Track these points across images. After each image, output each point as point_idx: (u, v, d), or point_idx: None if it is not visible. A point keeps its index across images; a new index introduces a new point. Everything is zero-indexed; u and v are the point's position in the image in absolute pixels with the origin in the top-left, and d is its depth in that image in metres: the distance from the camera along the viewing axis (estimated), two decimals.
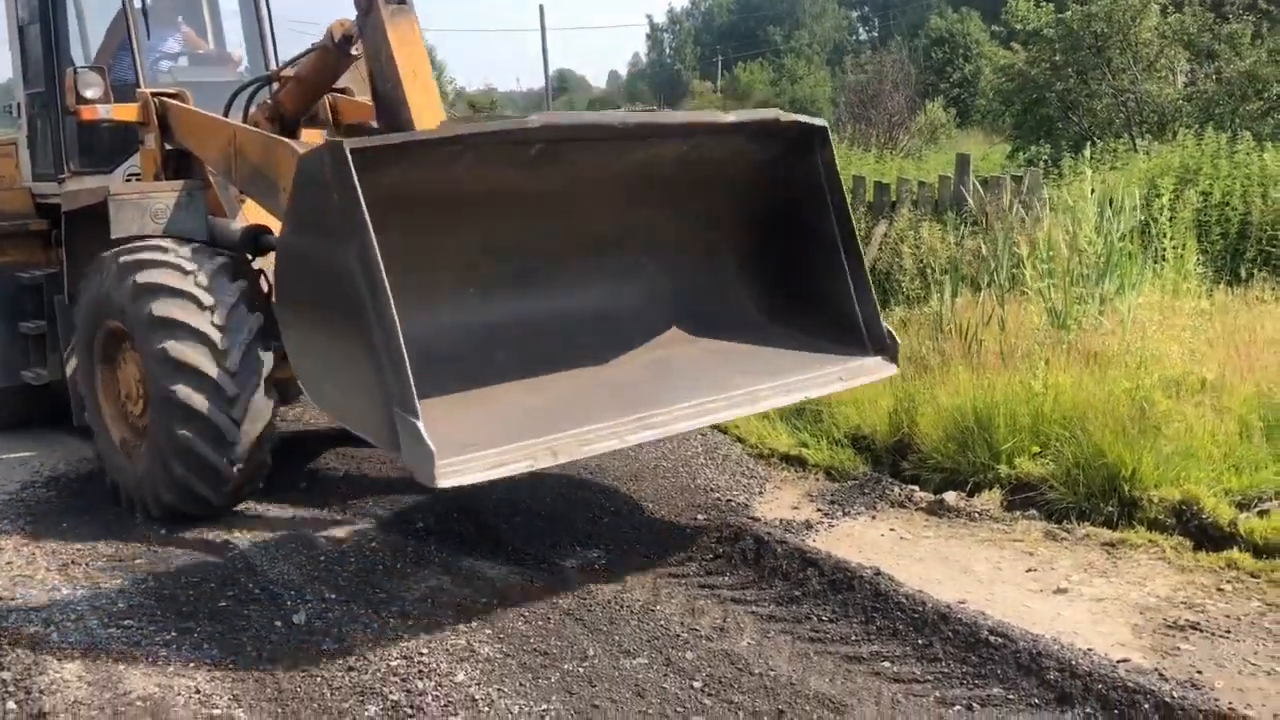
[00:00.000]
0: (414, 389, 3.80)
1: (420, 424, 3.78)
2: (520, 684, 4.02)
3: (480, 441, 4.05)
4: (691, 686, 3.98)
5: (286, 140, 5.74)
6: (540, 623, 4.57)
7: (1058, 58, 18.33)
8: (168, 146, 6.72)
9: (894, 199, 12.73)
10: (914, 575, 4.96)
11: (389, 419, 3.87)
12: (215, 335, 5.60)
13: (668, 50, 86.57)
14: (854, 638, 4.37)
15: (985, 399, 6.44)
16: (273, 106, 6.74)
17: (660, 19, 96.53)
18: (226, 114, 6.73)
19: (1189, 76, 18.16)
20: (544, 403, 4.60)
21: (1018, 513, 5.88)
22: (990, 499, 6.07)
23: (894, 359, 5.46)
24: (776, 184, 5.44)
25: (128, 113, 6.79)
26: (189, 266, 5.78)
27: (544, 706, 3.84)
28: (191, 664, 4.28)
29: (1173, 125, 16.02)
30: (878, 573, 4.76)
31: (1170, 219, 9.64)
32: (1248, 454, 6.02)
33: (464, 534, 5.72)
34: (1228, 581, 4.98)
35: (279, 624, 4.61)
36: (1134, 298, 7.78)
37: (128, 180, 7.12)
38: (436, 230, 4.65)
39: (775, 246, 5.63)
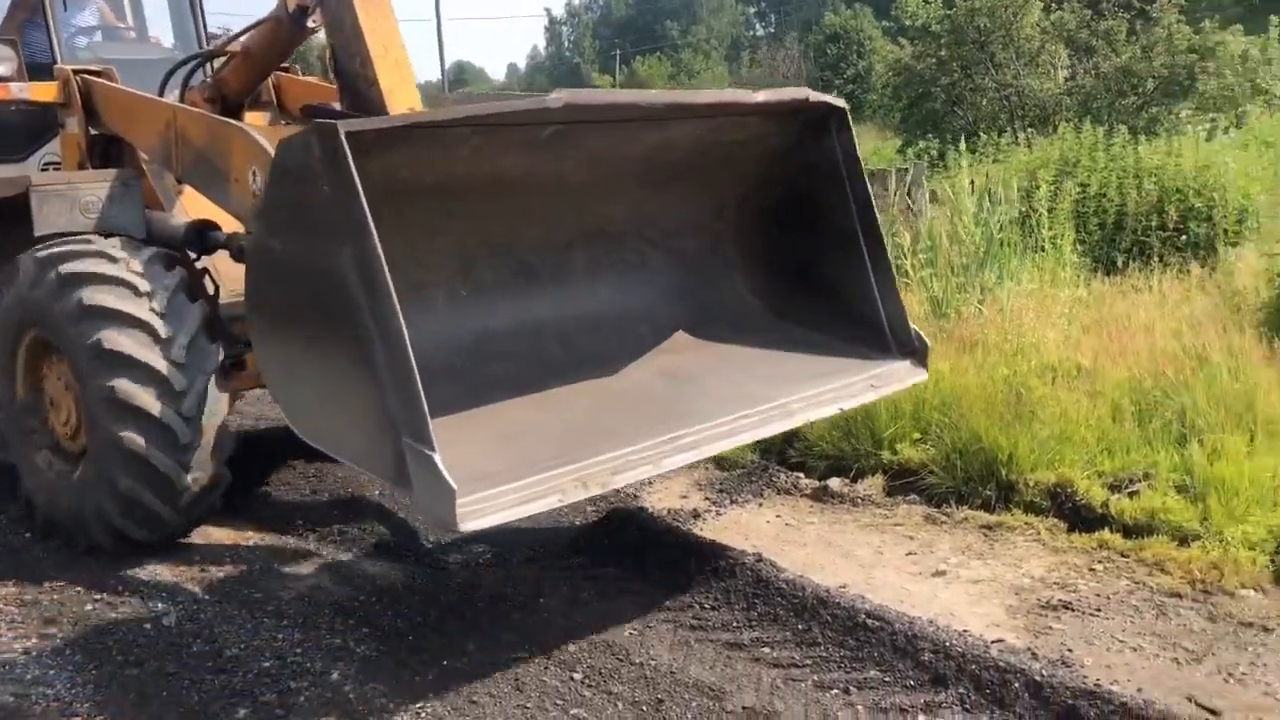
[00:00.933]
0: (428, 414, 3.24)
1: (437, 457, 3.23)
2: (396, 682, 3.94)
3: (497, 471, 3.53)
4: (572, 679, 3.95)
5: (238, 124, 5.08)
6: (420, 620, 4.49)
7: (943, 53, 18.71)
8: (93, 131, 5.95)
9: None
10: (797, 561, 4.99)
11: (395, 451, 3.31)
12: (156, 323, 4.92)
13: (566, 43, 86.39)
14: (735, 624, 4.37)
15: None
16: (214, 86, 6.02)
17: (559, 12, 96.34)
18: (161, 95, 6.01)
19: (1069, 71, 18.66)
20: (557, 421, 4.11)
21: (899, 498, 5.96)
22: (873, 484, 6.15)
23: (923, 363, 4.98)
24: (792, 170, 4.95)
25: (45, 92, 6.00)
26: (119, 254, 5.12)
27: (420, 704, 3.77)
28: (52, 670, 4.11)
29: (1054, 119, 16.46)
30: (759, 559, 4.77)
31: (1049, 210, 9.88)
32: (1119, 437, 6.19)
33: (345, 531, 5.60)
34: (1099, 561, 5.10)
35: (148, 627, 4.45)
36: (1013, 287, 7.96)
37: (44, 170, 6.39)
38: (428, 223, 4.19)
39: (790, 239, 5.18)
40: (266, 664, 4.07)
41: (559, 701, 3.78)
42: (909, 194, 10.39)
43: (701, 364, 4.78)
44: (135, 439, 4.83)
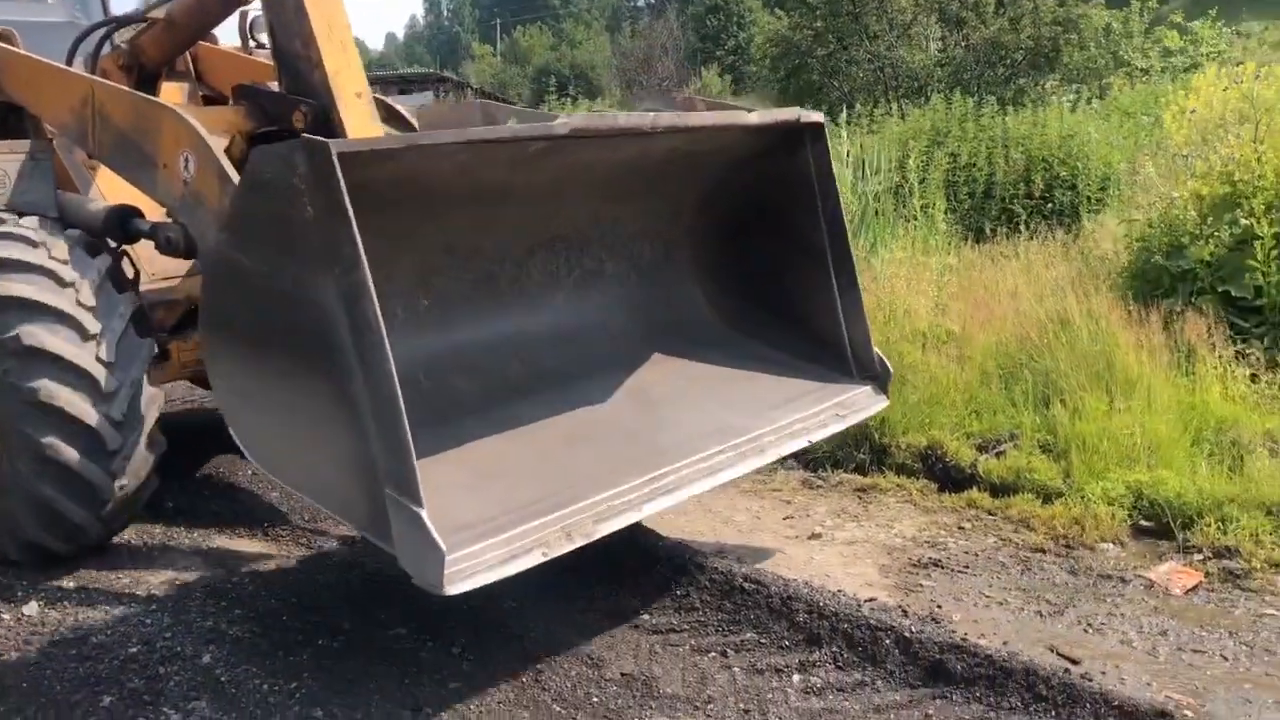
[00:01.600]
0: (416, 467, 3.03)
1: (425, 515, 3.02)
2: (270, 663, 3.87)
3: (478, 521, 3.32)
4: (450, 653, 3.93)
5: (168, 105, 4.57)
6: (295, 599, 4.42)
7: (819, 24, 18.95)
8: None
9: None
10: (677, 528, 5.05)
11: (374, 500, 3.11)
12: (83, 317, 4.46)
13: (445, 13, 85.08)
14: (614, 593, 4.40)
15: None
16: (130, 53, 5.48)
17: None
18: (69, 63, 5.48)
19: (940, 43, 19.06)
20: (531, 455, 3.89)
21: (777, 464, 6.05)
22: None
23: (884, 389, 4.81)
24: (760, 181, 4.69)
25: None
26: (39, 238, 4.61)
27: (295, 684, 3.71)
28: None
29: (926, 90, 16.80)
30: (639, 527, 4.81)
31: (921, 180, 10.11)
32: (987, 400, 6.38)
33: (218, 513, 5.48)
34: (968, 520, 5.26)
35: (6, 617, 4.29)
36: (886, 255, 8.13)
37: None
38: (392, 234, 3.85)
39: (754, 253, 4.97)
40: (133, 649, 3.96)
41: (437, 675, 3.76)
42: None
43: (667, 385, 4.58)
44: (59, 446, 4.35)
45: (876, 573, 4.68)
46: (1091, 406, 5.89)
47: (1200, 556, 4.85)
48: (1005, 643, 3.99)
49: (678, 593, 4.36)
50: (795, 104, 19.03)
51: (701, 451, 3.99)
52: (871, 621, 3.97)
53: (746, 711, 3.56)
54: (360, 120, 4.49)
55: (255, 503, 5.48)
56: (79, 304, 4.48)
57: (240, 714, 3.51)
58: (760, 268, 4.94)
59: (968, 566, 4.79)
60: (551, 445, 3.96)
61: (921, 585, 4.58)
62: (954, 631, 4.03)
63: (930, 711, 3.54)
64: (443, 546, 3.01)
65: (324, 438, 3.25)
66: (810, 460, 6.04)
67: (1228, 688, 3.75)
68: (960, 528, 5.18)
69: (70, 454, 4.37)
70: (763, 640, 4.01)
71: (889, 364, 4.86)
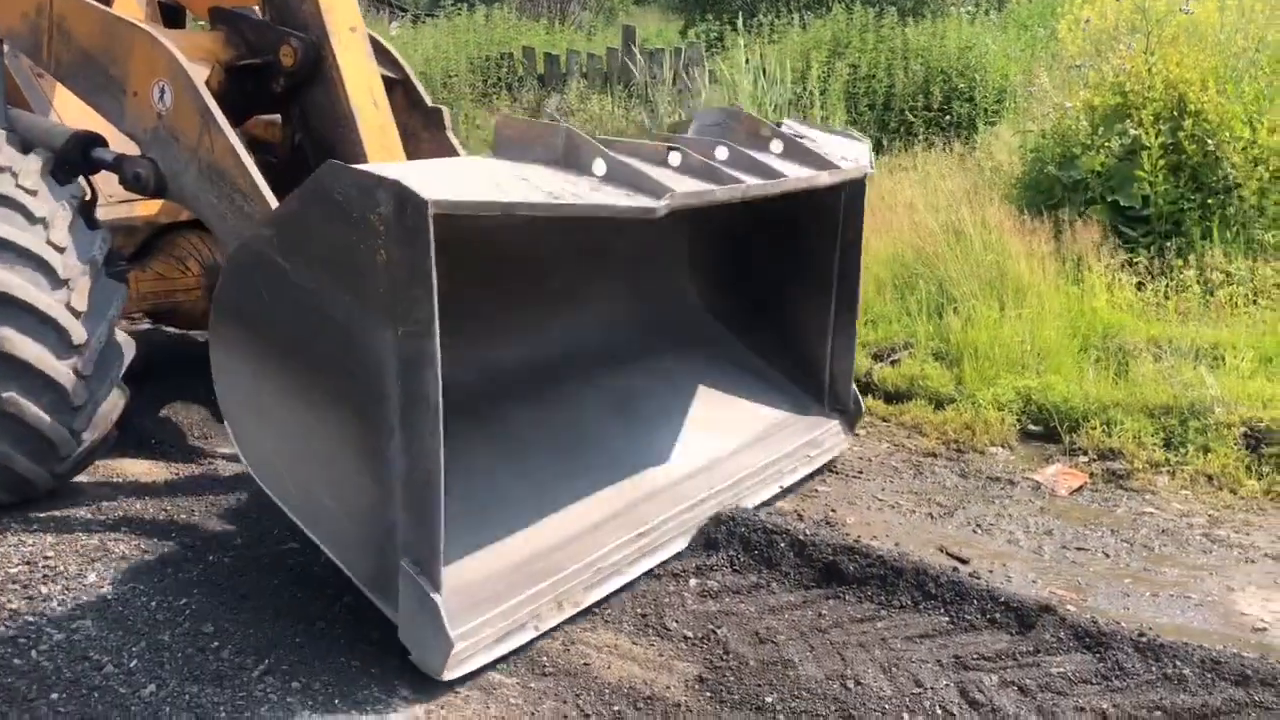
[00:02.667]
0: (442, 547, 2.95)
1: (441, 603, 2.97)
2: (158, 580, 3.79)
3: (475, 579, 3.29)
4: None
5: (142, 25, 4.16)
6: (185, 516, 4.33)
7: None
8: None
9: (564, 71, 12.68)
10: None
11: (384, 563, 3.04)
12: (53, 258, 4.00)
13: None
14: None
15: None
16: None
17: None
18: None
19: None
20: (523, 483, 3.82)
21: None
22: None
23: (851, 427, 4.94)
24: (785, 200, 4.29)
25: None
26: (3, 160, 4.13)
27: (183, 600, 3.64)
28: None
29: (828, 0, 16.70)
30: None
31: (822, 91, 10.09)
32: (883, 310, 6.47)
33: None
34: (862, 427, 5.34)
35: None
36: None
37: None
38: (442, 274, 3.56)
39: (759, 260, 4.94)
40: (14, 569, 3.84)
41: (330, 589, 3.72)
42: (686, 73, 10.40)
43: (654, 397, 4.57)
44: (20, 401, 3.94)
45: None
46: (983, 315, 6.00)
47: (1085, 459, 5.00)
48: (897, 544, 4.08)
49: None
50: (698, 14, 18.83)
51: (684, 500, 4.05)
52: (767, 526, 4.03)
53: (644, 616, 3.59)
54: (356, 60, 4.20)
55: (143, 420, 5.33)
56: (50, 244, 4.02)
57: (127, 632, 3.43)
58: (762, 275, 4.94)
59: (862, 472, 4.88)
60: (540, 468, 3.94)
61: (817, 491, 4.65)
62: (847, 534, 4.11)
63: (823, 611, 3.61)
64: (452, 638, 3.01)
65: (339, 480, 3.09)
66: None
67: (1108, 582, 3.89)
68: (856, 434, 5.26)
69: (32, 410, 3.98)
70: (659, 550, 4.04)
71: (862, 403, 4.94)
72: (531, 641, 3.35)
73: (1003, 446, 5.18)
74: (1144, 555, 4.13)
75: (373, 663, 3.24)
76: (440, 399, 2.82)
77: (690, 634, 3.49)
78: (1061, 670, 3.22)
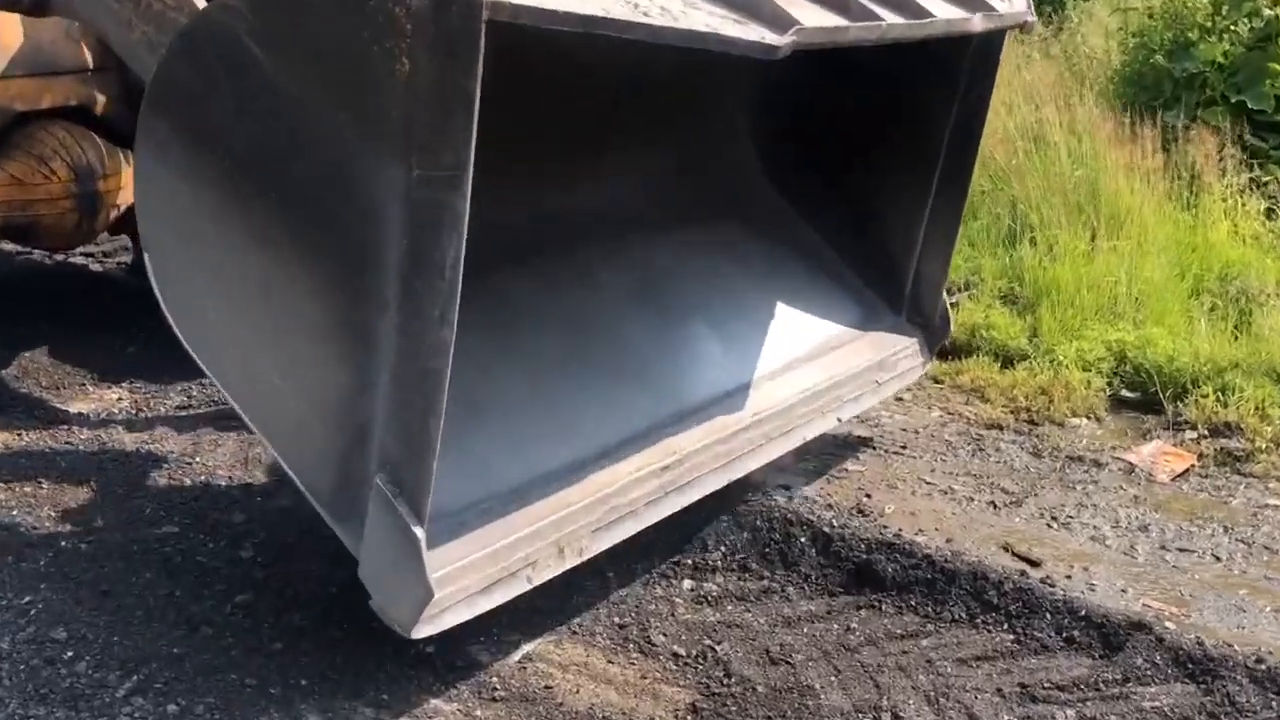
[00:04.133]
0: (433, 478, 2.92)
1: (423, 537, 2.90)
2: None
3: (459, 506, 3.25)
4: (238, 557, 3.90)
5: None
6: (29, 490, 4.33)
7: None
8: None
9: None
10: None
11: (351, 477, 2.99)
12: None
13: None
14: None
15: None
16: None
17: None
18: None
19: None
20: (520, 379, 3.84)
21: None
22: None
23: (933, 349, 4.95)
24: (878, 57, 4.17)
25: None
26: None
27: (28, 599, 3.65)
28: None
29: None
30: None
31: None
32: None
33: None
34: (908, 389, 5.36)
35: None
36: None
37: None
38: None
39: (841, 118, 4.85)
40: None
41: (219, 586, 3.74)
42: None
43: (689, 285, 4.56)
44: None
45: (790, 455, 4.74)
46: (1068, 246, 6.01)
47: (1193, 435, 5.04)
48: (949, 540, 4.11)
49: None
50: None
51: (721, 431, 3.99)
52: (786, 515, 4.05)
53: (622, 626, 3.62)
54: None
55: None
56: None
57: None
58: (844, 139, 4.85)
59: (905, 446, 4.92)
60: (546, 370, 3.90)
61: (847, 470, 4.69)
62: (885, 527, 4.14)
63: (853, 624, 3.65)
64: (432, 584, 2.92)
65: (301, 357, 3.02)
66: None
67: (1219, 594, 3.93)
68: (898, 399, 5.28)
69: None
70: (642, 539, 4.06)
71: (951, 319, 4.91)
72: (520, 597, 3.29)
73: (1088, 417, 5.22)
74: (1264, 560, 4.17)
75: (272, 679, 3.25)
76: (460, 273, 2.72)
77: (682, 651, 3.52)
78: (1157, 704, 3.25)
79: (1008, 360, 5.62)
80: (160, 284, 3.15)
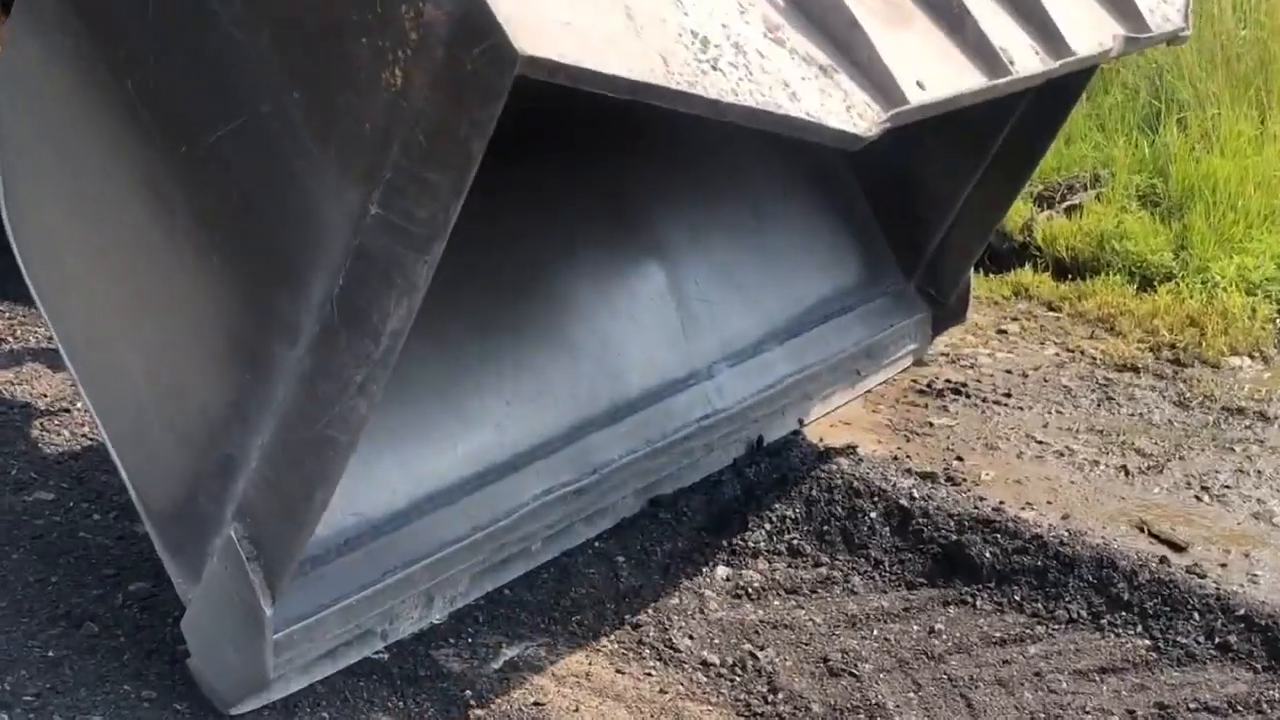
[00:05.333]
0: (302, 553, 3.00)
1: (270, 616, 2.99)
2: None
3: (320, 549, 3.32)
4: (135, 531, 3.92)
5: None
6: None
7: None
8: None
9: None
10: None
11: (198, 521, 3.07)
12: None
13: None
14: None
15: None
16: None
17: None
18: None
19: None
20: (403, 386, 3.62)
21: None
22: None
23: (938, 331, 5.08)
24: None
25: None
26: None
27: None
28: None
29: None
30: None
31: None
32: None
33: None
34: (1013, 318, 5.35)
35: None
36: None
37: None
38: None
39: None
40: None
41: (107, 571, 3.76)
42: None
43: (666, 208, 4.60)
44: None
45: (861, 405, 4.75)
46: (1230, 131, 5.96)
47: None
48: (1066, 517, 4.11)
49: None
50: None
51: (655, 440, 4.11)
52: (853, 482, 4.05)
53: (636, 627, 3.62)
54: None
55: None
56: None
57: None
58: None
59: (1009, 394, 4.91)
60: (456, 336, 3.87)
61: (932, 425, 4.69)
62: (982, 499, 4.13)
63: (937, 625, 3.64)
64: (270, 673, 3.05)
65: (170, 356, 3.08)
66: None
67: None
68: (1001, 331, 5.27)
69: None
70: (667, 515, 4.10)
71: (970, 301, 4.95)
72: (370, 658, 3.39)
73: (1251, 356, 5.19)
74: None
75: (178, 692, 3.26)
76: (399, 344, 2.71)
77: (714, 658, 3.51)
78: None
79: (1146, 281, 5.59)
80: (7, 198, 3.21)
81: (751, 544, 3.94)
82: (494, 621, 3.59)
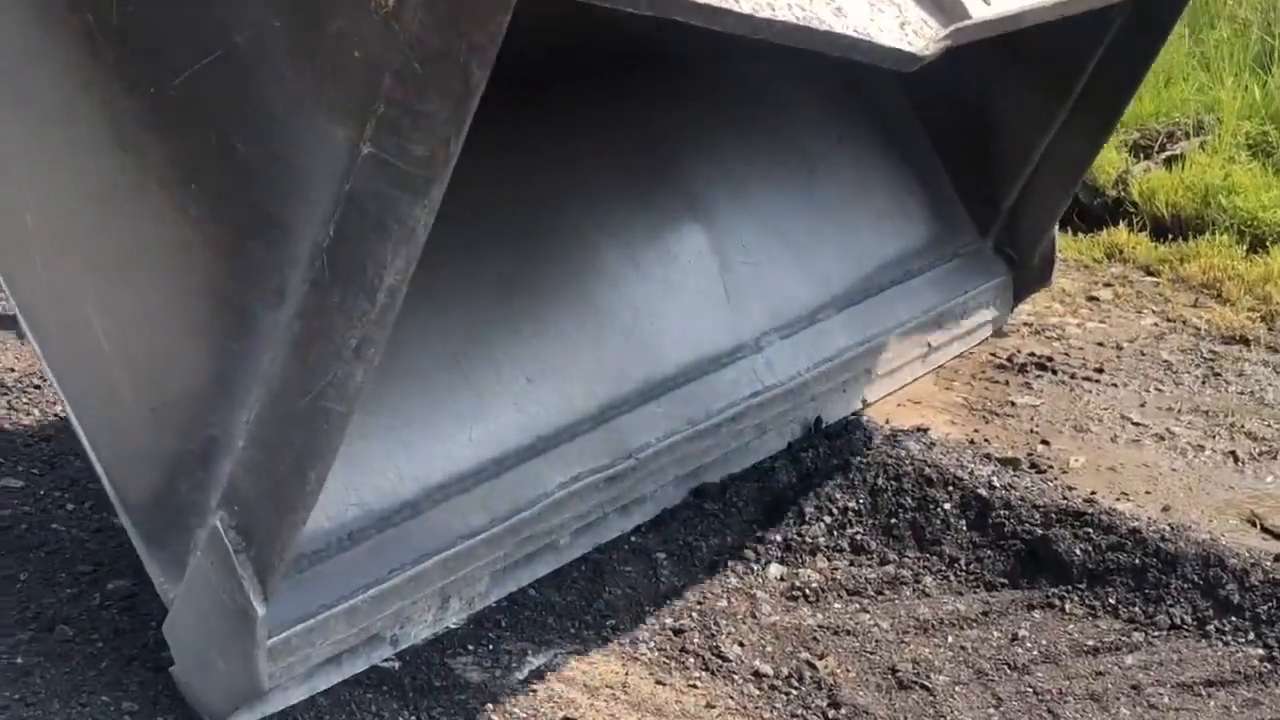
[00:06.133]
0: (296, 543, 3.02)
1: (262, 616, 2.98)
2: None
3: (319, 550, 3.35)
4: (114, 524, 3.94)
5: None
6: None
7: None
8: None
9: None
10: None
11: (175, 509, 3.10)
12: None
13: None
14: None
15: None
16: None
17: None
18: None
19: None
20: (441, 346, 3.87)
21: None
22: None
23: (1021, 296, 5.09)
24: None
25: None
26: None
27: None
28: None
29: None
30: None
31: None
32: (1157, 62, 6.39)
33: None
34: (1106, 283, 5.33)
35: None
36: None
37: None
38: None
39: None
40: None
41: (81, 567, 3.78)
42: None
43: (713, 162, 4.62)
44: None
45: (932, 381, 4.73)
46: None
47: None
48: (1166, 509, 4.09)
49: None
50: None
51: (697, 421, 4.11)
52: (924, 470, 4.03)
53: (679, 633, 3.61)
54: None
55: None
56: None
57: None
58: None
59: (1101, 369, 4.89)
60: (475, 303, 3.90)
61: (1014, 405, 4.67)
62: (1071, 488, 4.12)
63: (1021, 631, 3.63)
64: (264, 682, 3.04)
65: (147, 325, 3.09)
66: None
67: None
68: (1092, 298, 5.24)
69: None
70: (714, 506, 4.10)
71: (1054, 265, 4.92)
72: (379, 666, 3.40)
73: None
74: None
75: (161, 705, 3.26)
76: (399, 300, 2.75)
77: (767, 668, 3.51)
78: None
79: (1257, 241, 5.56)
80: None
81: (809, 539, 3.93)
82: (518, 626, 3.58)
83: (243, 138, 2.80)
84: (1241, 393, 4.79)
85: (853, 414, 4.31)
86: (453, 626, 3.52)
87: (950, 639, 3.61)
